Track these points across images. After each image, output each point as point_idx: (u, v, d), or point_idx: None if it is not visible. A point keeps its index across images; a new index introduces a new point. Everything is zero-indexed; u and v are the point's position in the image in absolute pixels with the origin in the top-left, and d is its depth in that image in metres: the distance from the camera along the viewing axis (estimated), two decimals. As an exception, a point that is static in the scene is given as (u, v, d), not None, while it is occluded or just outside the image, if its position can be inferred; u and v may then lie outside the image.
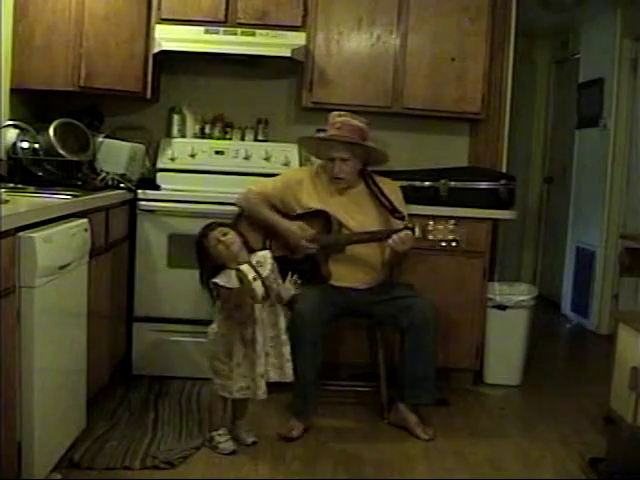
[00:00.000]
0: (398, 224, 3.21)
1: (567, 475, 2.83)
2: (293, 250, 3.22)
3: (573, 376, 4.18)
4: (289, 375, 2.86)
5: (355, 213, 3.28)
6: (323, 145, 3.33)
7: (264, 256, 2.87)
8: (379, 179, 3.38)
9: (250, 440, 2.94)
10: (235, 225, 3.07)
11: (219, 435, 2.88)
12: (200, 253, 2.85)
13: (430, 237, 3.04)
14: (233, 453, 2.85)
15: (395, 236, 3.06)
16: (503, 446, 3.08)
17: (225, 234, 2.81)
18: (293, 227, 3.21)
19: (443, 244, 3.04)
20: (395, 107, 3.92)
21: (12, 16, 3.51)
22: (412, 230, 3.06)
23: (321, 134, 3.52)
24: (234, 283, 2.73)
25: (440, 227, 3.03)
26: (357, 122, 3.27)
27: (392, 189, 3.39)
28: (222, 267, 2.79)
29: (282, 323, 2.86)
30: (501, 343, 3.82)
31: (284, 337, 2.85)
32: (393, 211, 3.26)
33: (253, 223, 3.30)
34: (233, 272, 2.74)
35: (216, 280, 2.76)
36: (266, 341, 2.82)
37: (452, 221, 3.05)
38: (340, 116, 3.29)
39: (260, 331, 2.79)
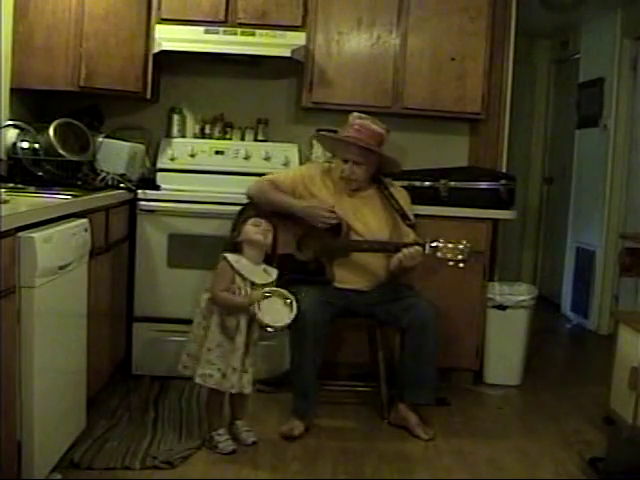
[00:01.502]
0: (407, 232, 3.21)
1: (567, 475, 2.83)
2: (313, 224, 3.18)
3: (573, 376, 4.18)
4: (244, 386, 2.82)
5: (365, 216, 3.28)
6: (338, 144, 3.31)
7: (271, 271, 2.88)
8: (390, 184, 3.37)
9: (250, 440, 2.94)
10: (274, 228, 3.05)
11: (218, 435, 2.88)
12: (234, 225, 2.91)
13: (439, 255, 3.03)
14: (232, 453, 2.84)
15: (405, 250, 3.05)
16: (503, 446, 3.08)
17: (266, 230, 2.85)
18: (312, 201, 3.20)
19: (451, 263, 3.02)
20: (395, 107, 3.92)
21: (12, 16, 3.51)
22: (422, 246, 3.05)
23: (336, 134, 3.48)
24: (240, 268, 2.79)
25: (450, 246, 3.02)
26: (376, 127, 3.24)
27: (403, 196, 3.38)
28: (236, 246, 2.85)
29: (256, 333, 2.85)
30: (501, 343, 3.82)
31: (252, 348, 2.84)
32: (404, 217, 3.25)
33: (263, 212, 3.27)
34: (243, 259, 2.81)
35: (226, 255, 2.80)
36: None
37: (463, 241, 3.03)
38: (361, 118, 3.26)
39: (245, 324, 2.78)
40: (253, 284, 2.81)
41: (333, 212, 3.18)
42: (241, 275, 2.80)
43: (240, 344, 2.77)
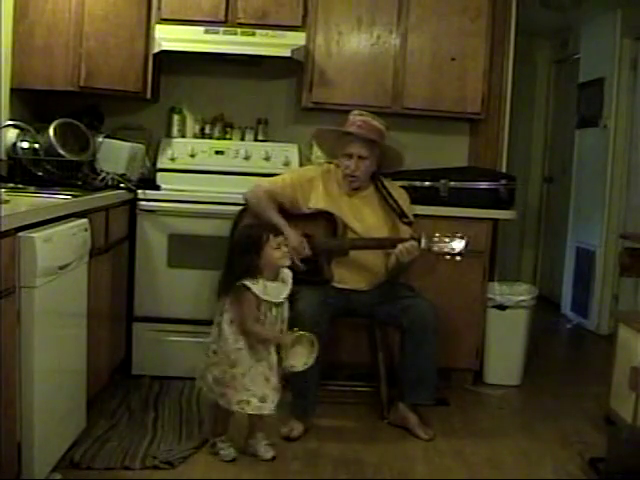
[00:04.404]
0: (405, 230, 3.21)
1: (567, 475, 2.83)
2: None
3: (573, 376, 4.18)
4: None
5: (363, 216, 3.28)
6: (340, 141, 3.30)
7: (288, 275, 2.81)
8: (388, 183, 3.38)
9: (269, 455, 2.82)
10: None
11: (221, 442, 2.82)
12: (249, 246, 2.71)
13: (435, 249, 3.03)
14: (233, 461, 2.78)
15: (400, 246, 3.05)
16: (503, 446, 3.08)
17: (286, 251, 2.76)
18: (293, 240, 3.12)
19: (448, 257, 3.03)
20: (395, 107, 3.92)
21: (12, 16, 3.52)
22: (418, 241, 3.05)
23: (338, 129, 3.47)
24: (266, 295, 2.69)
25: (446, 240, 3.02)
26: (377, 123, 3.26)
27: (401, 194, 3.39)
28: (250, 270, 2.71)
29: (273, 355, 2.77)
30: (501, 343, 3.82)
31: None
32: (401, 215, 3.25)
33: (257, 218, 3.29)
34: (266, 282, 2.70)
35: (248, 285, 2.66)
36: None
37: (459, 234, 3.03)
38: (361, 115, 3.28)
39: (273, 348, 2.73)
40: (277, 304, 2.74)
41: (305, 259, 3.16)
42: (265, 301, 2.70)
43: (274, 363, 2.71)
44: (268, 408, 2.72)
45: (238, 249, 2.78)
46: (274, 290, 2.73)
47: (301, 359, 2.70)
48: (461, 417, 3.41)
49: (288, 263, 2.78)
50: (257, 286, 2.68)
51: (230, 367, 2.70)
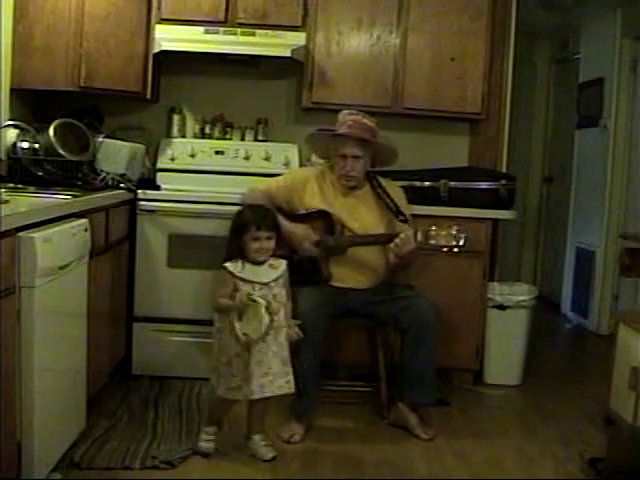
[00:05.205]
0: (402, 228, 3.21)
1: (567, 475, 2.83)
2: (295, 251, 3.21)
3: (573, 376, 4.18)
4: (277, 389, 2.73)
5: (359, 215, 3.28)
6: (334, 142, 3.30)
7: (281, 263, 2.81)
8: (384, 181, 3.38)
9: (270, 455, 2.81)
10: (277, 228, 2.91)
11: (205, 432, 2.83)
12: (235, 229, 2.79)
13: (432, 242, 3.04)
14: (207, 456, 2.77)
15: (397, 239, 3.06)
16: (503, 446, 3.08)
17: (269, 238, 2.76)
18: (298, 230, 3.19)
19: (445, 249, 3.03)
20: (395, 107, 3.92)
21: (12, 16, 3.52)
22: (414, 232, 3.05)
23: (330, 131, 3.48)
24: (242, 274, 2.72)
25: (443, 232, 3.02)
26: (368, 121, 3.26)
27: (397, 192, 3.39)
28: (233, 252, 2.77)
29: (283, 338, 2.74)
30: (501, 343, 3.82)
31: (285, 354, 2.75)
32: (397, 213, 3.25)
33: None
34: (246, 263, 2.73)
35: (226, 265, 2.73)
36: (269, 354, 2.70)
37: (455, 227, 3.04)
38: (351, 114, 3.28)
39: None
40: (263, 284, 2.73)
41: (317, 243, 3.17)
42: (244, 280, 2.71)
43: (256, 350, 2.67)
44: (259, 394, 2.68)
45: (231, 228, 2.85)
46: (255, 271, 2.74)
47: (256, 328, 2.61)
48: (461, 417, 3.41)
49: (262, 259, 2.76)
50: (234, 265, 2.73)
51: (218, 354, 2.72)
